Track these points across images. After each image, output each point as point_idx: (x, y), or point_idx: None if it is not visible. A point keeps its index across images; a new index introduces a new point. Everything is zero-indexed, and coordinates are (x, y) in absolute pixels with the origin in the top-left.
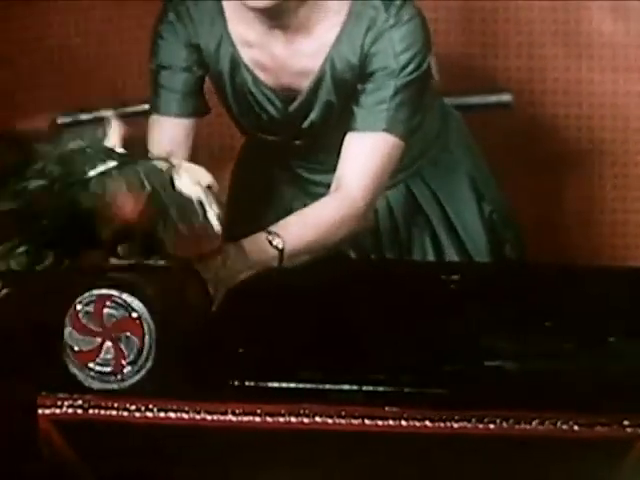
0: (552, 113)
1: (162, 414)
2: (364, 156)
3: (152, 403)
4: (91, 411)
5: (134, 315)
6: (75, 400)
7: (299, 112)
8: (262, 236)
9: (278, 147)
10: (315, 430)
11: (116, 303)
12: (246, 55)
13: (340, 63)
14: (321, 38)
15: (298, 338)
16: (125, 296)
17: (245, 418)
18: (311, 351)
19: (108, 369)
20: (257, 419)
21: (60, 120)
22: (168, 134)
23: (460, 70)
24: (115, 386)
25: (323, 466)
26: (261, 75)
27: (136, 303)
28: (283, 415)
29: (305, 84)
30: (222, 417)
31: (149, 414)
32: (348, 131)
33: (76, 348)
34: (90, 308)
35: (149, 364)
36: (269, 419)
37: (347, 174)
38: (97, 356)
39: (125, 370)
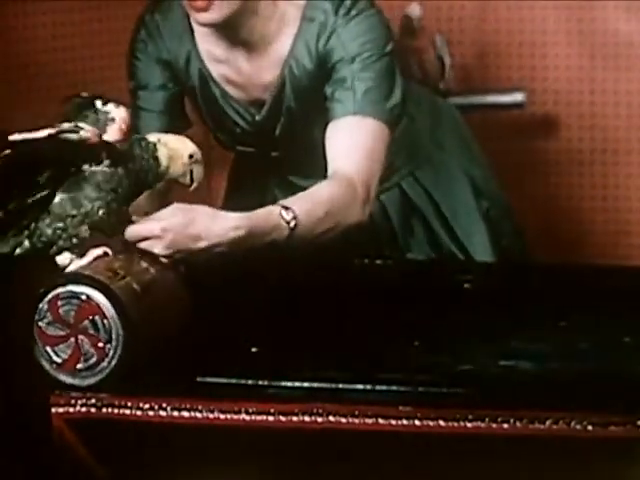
0: (565, 112)
1: (175, 413)
2: (344, 138)
3: (166, 402)
4: (104, 410)
5: (83, 297)
6: (88, 399)
7: (267, 122)
8: (275, 209)
9: (262, 158)
10: (328, 429)
11: (65, 297)
12: (215, 70)
13: (297, 69)
14: (280, 49)
15: (312, 338)
16: (70, 287)
17: (258, 417)
18: (324, 351)
19: (93, 360)
20: (270, 418)
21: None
22: None
23: (474, 69)
24: (107, 371)
25: (336, 465)
26: (231, 90)
27: (80, 288)
28: (296, 414)
29: (269, 94)
30: (235, 416)
31: (162, 413)
32: (326, 124)
33: (59, 360)
34: (49, 317)
35: (122, 337)
36: (282, 418)
37: (335, 159)
38: (80, 356)
39: (107, 352)
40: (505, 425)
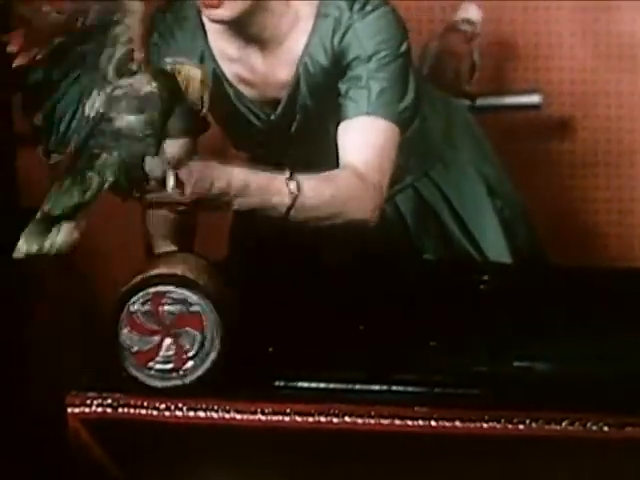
0: (582, 114)
1: (192, 413)
2: (357, 137)
3: (182, 402)
4: (120, 410)
5: (193, 309)
6: (104, 399)
7: (282, 121)
8: (282, 176)
9: (276, 157)
10: (344, 430)
11: (174, 299)
12: (229, 70)
13: (312, 66)
14: (294, 47)
15: (328, 338)
16: (182, 290)
17: (274, 417)
18: (340, 351)
19: (169, 366)
20: (286, 418)
21: None
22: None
23: (490, 70)
24: (178, 382)
25: (352, 465)
26: (245, 89)
27: (194, 298)
28: (312, 415)
29: (284, 92)
30: (252, 417)
31: (179, 413)
32: (339, 121)
33: (134, 349)
34: (147, 307)
35: (211, 358)
36: (298, 418)
37: (347, 155)
38: (157, 356)
39: (187, 365)
40: (521, 426)
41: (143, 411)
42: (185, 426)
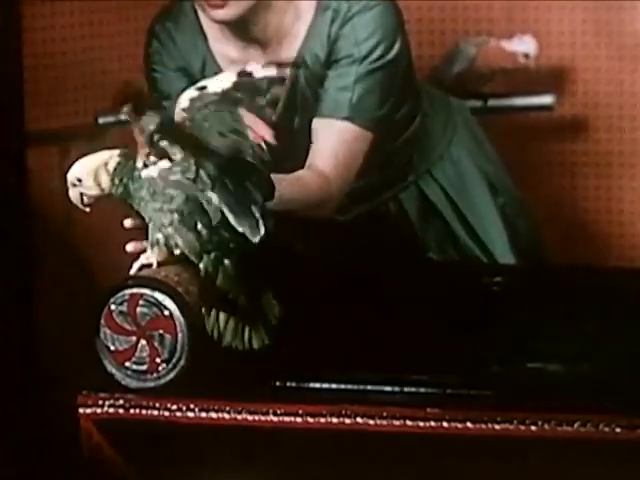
0: (594, 114)
1: (203, 414)
2: (329, 141)
3: (193, 403)
4: (132, 411)
5: (166, 313)
6: (116, 400)
7: (285, 116)
8: None
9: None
10: (356, 431)
11: (148, 302)
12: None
13: (310, 59)
14: (294, 42)
15: (339, 339)
16: (157, 294)
17: (286, 418)
18: (352, 352)
19: (144, 367)
20: (298, 419)
21: (102, 120)
22: None
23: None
24: (152, 384)
25: (363, 467)
26: None
27: (168, 301)
28: (324, 416)
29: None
30: (263, 417)
31: (190, 414)
32: (315, 116)
33: (112, 347)
34: (124, 307)
35: (182, 362)
36: (310, 419)
37: (317, 158)
38: (133, 355)
39: (160, 368)
40: (533, 427)
41: (155, 412)
42: (197, 427)
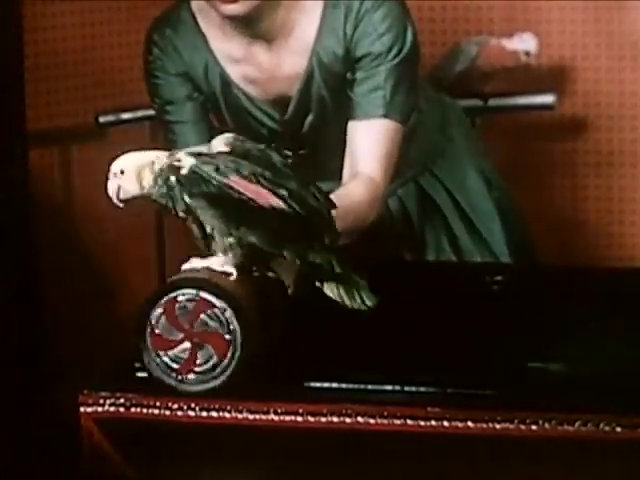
0: (594, 113)
1: (204, 413)
2: (371, 142)
3: (194, 402)
4: (133, 409)
5: (227, 337)
6: (117, 398)
7: (296, 117)
8: None
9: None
10: (357, 430)
11: (216, 316)
12: (233, 72)
13: (326, 56)
14: (303, 36)
15: (340, 338)
16: (228, 314)
17: (287, 417)
18: (353, 351)
19: (175, 365)
20: (299, 419)
21: (102, 119)
22: None
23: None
24: (172, 382)
25: (364, 466)
26: (252, 89)
27: (235, 325)
28: (325, 415)
29: (296, 87)
30: (264, 417)
31: (191, 413)
32: (349, 120)
33: (157, 330)
34: (190, 305)
35: (211, 383)
36: (311, 419)
37: (360, 162)
38: (172, 349)
39: (189, 376)
40: (534, 427)
41: (156, 411)
42: (198, 426)
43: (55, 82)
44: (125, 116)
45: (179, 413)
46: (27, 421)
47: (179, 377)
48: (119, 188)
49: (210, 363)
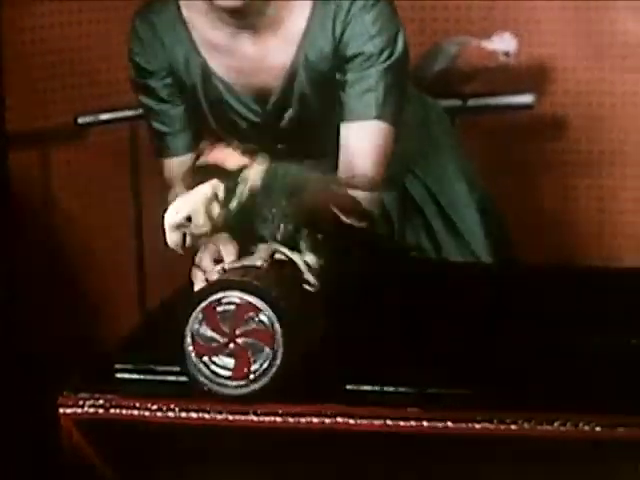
0: (574, 113)
1: (183, 414)
2: (366, 144)
3: (173, 403)
4: (112, 411)
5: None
6: (96, 400)
7: (276, 111)
8: None
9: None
10: (336, 431)
11: (257, 317)
12: (215, 61)
13: (313, 52)
14: (290, 31)
15: (322, 338)
16: (270, 313)
17: (267, 418)
18: (332, 350)
19: (225, 372)
20: (278, 419)
21: (81, 120)
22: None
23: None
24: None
25: (344, 466)
26: (236, 80)
27: (276, 326)
28: (304, 415)
29: (279, 80)
30: (244, 417)
31: (170, 414)
32: (341, 122)
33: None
34: (230, 308)
35: (265, 379)
36: (290, 419)
37: (355, 163)
38: (217, 353)
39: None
40: (513, 426)
41: (135, 412)
42: (177, 427)
43: (34, 83)
44: (104, 117)
45: (158, 414)
46: (6, 423)
47: (227, 382)
48: (185, 237)
49: (259, 361)
